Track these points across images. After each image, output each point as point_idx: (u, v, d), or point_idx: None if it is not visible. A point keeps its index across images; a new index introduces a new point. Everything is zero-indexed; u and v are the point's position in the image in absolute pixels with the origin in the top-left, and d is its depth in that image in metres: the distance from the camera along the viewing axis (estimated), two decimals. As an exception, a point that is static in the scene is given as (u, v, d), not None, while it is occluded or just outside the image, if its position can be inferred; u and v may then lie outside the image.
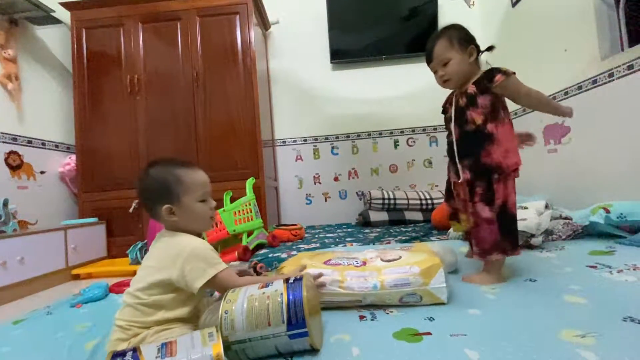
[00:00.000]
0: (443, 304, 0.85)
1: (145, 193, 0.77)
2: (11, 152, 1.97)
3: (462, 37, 1.03)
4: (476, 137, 1.00)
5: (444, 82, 1.07)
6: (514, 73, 0.98)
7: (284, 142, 2.90)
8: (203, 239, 1.31)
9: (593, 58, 1.74)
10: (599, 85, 1.72)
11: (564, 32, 1.92)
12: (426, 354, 0.62)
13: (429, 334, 0.71)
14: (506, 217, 0.98)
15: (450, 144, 1.09)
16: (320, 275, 0.87)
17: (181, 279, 0.69)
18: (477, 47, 1.05)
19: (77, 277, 1.80)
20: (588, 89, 1.79)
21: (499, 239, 0.98)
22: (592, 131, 1.78)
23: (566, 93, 1.94)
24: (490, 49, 1.05)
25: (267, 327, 0.64)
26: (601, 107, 1.71)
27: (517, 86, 1.00)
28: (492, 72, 0.99)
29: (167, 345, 0.58)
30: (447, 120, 1.12)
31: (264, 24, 2.75)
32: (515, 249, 0.99)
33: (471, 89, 1.01)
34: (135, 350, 0.58)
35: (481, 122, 0.99)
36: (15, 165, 1.99)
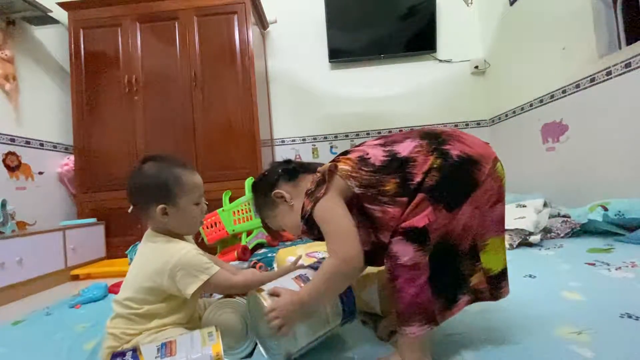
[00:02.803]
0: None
1: (138, 190, 0.73)
2: (9, 153, 1.97)
3: (259, 198, 0.76)
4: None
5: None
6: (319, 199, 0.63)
7: (283, 141, 2.90)
8: (203, 239, 1.31)
9: (591, 56, 1.74)
10: (596, 84, 1.72)
11: (562, 31, 1.93)
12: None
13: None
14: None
15: None
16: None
17: (172, 286, 0.67)
18: (284, 174, 0.73)
19: (76, 277, 1.79)
20: (586, 87, 1.79)
21: (428, 298, 0.58)
22: (590, 129, 1.79)
23: (564, 91, 1.94)
24: (288, 167, 0.74)
25: (326, 325, 0.67)
26: (599, 105, 1.72)
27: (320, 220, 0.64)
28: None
29: (166, 345, 0.58)
30: None
31: (262, 23, 2.74)
32: (451, 306, 0.60)
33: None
34: (134, 350, 0.58)
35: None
36: (14, 166, 1.99)
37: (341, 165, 0.64)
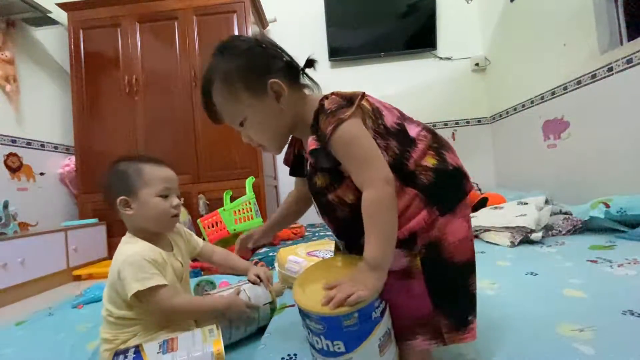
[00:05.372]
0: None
1: (106, 186, 0.74)
2: (10, 154, 1.97)
3: (246, 72, 0.56)
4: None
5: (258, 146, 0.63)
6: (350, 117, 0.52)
7: (283, 140, 2.90)
8: (204, 239, 1.31)
9: (592, 52, 1.73)
10: (598, 80, 1.71)
11: (563, 27, 1.92)
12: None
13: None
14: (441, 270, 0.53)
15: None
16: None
17: (121, 289, 0.66)
18: (288, 68, 0.59)
19: (78, 278, 1.80)
20: (587, 84, 1.78)
21: (430, 311, 0.52)
22: (591, 126, 1.78)
23: (565, 88, 1.93)
24: (310, 64, 0.61)
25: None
26: (600, 102, 1.71)
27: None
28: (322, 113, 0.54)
29: (168, 342, 0.59)
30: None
31: (262, 22, 2.74)
32: (460, 327, 0.52)
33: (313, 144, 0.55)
34: (137, 347, 0.59)
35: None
36: (15, 167, 1.99)
37: (363, 103, 0.54)
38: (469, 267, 0.54)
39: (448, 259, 0.52)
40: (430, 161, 0.54)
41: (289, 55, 0.60)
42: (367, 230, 0.50)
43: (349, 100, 0.53)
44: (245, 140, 0.61)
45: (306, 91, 0.61)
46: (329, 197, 0.57)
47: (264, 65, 0.57)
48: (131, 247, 0.70)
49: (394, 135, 0.55)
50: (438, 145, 0.57)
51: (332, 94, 0.55)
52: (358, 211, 0.52)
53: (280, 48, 0.60)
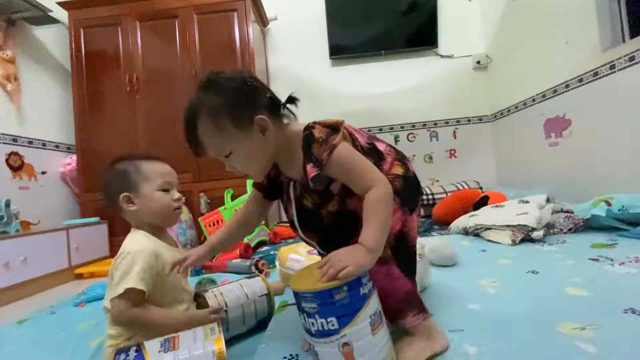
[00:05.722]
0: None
1: (106, 186, 0.75)
2: (12, 153, 1.98)
3: (234, 107, 0.58)
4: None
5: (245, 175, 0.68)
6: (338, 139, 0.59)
7: (284, 139, 2.90)
8: (205, 237, 1.31)
9: (594, 50, 1.72)
10: (600, 78, 1.71)
11: (565, 24, 1.91)
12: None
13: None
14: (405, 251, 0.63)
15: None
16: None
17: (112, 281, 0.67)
18: (272, 103, 0.63)
19: (80, 276, 1.81)
20: (589, 82, 1.77)
21: (411, 287, 0.62)
22: (593, 124, 1.77)
23: (567, 86, 1.93)
24: (292, 100, 0.66)
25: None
26: (602, 100, 1.70)
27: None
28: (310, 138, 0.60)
29: (169, 340, 0.59)
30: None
31: (262, 20, 2.73)
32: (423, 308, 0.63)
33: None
34: (138, 345, 0.59)
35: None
36: (17, 166, 2.00)
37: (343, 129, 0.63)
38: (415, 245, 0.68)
39: (411, 245, 0.65)
40: (398, 170, 0.66)
41: (270, 91, 0.65)
42: (367, 219, 0.56)
43: (334, 128, 0.60)
44: (228, 169, 0.65)
45: (285, 121, 0.67)
46: (321, 211, 0.64)
47: (251, 101, 0.61)
48: (131, 241, 0.72)
49: (368, 153, 0.64)
50: (401, 157, 0.69)
51: (315, 123, 0.62)
52: (343, 216, 0.62)
53: (263, 84, 0.66)
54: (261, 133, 0.61)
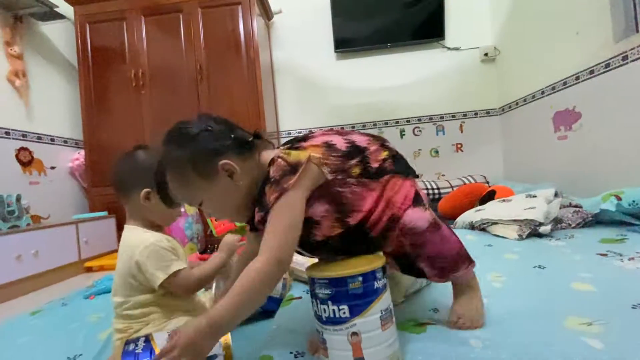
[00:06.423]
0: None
1: (125, 174, 0.76)
2: (22, 149, 2.01)
3: (196, 158, 0.58)
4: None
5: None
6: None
7: (289, 133, 2.89)
8: (211, 231, 1.33)
9: (606, 40, 1.68)
10: (611, 69, 1.67)
11: (576, 15, 1.86)
12: (429, 344, 0.62)
13: (433, 324, 0.70)
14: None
15: None
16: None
17: (139, 274, 0.69)
18: (238, 143, 0.61)
19: (89, 269, 1.84)
20: (600, 73, 1.73)
21: (460, 242, 0.66)
22: (604, 117, 1.74)
23: (577, 78, 1.88)
24: (258, 136, 0.64)
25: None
26: (614, 92, 1.66)
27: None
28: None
29: (177, 332, 0.60)
30: None
31: (267, 14, 2.71)
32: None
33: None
34: (147, 336, 0.60)
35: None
36: (26, 161, 2.03)
37: (312, 153, 0.59)
38: None
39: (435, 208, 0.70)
40: (384, 154, 0.67)
41: (236, 129, 0.63)
42: (231, 290, 0.51)
43: (293, 166, 0.56)
44: (208, 216, 0.65)
45: (261, 150, 0.65)
46: (317, 239, 0.61)
47: (212, 149, 0.59)
48: (146, 236, 0.72)
49: (349, 153, 0.63)
50: (381, 141, 0.70)
51: (279, 156, 0.58)
52: (348, 234, 0.61)
53: (228, 123, 0.63)
54: (229, 177, 0.59)
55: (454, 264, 0.65)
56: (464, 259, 0.66)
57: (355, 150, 0.64)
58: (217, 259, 0.79)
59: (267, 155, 0.63)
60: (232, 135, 0.61)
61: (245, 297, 0.51)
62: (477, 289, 0.70)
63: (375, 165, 0.64)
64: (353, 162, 0.62)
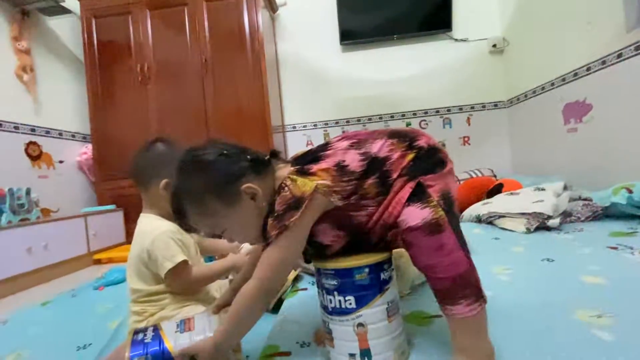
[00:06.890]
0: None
1: (145, 164, 0.78)
2: (30, 143, 2.03)
3: (216, 186, 0.55)
4: None
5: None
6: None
7: (294, 127, 2.88)
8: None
9: (618, 30, 1.64)
10: (624, 59, 1.63)
11: (587, 4, 1.81)
12: (435, 336, 0.62)
13: (439, 316, 0.70)
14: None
15: None
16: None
17: (154, 267, 0.72)
18: (255, 164, 0.58)
19: (98, 261, 1.87)
20: (612, 64, 1.69)
21: (468, 264, 0.51)
22: (615, 108, 1.70)
23: (589, 69, 1.84)
24: (275, 154, 0.62)
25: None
26: (626, 83, 1.62)
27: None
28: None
29: (185, 321, 0.61)
30: None
31: (272, 6, 2.69)
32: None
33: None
34: (156, 326, 0.61)
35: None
36: (35, 155, 2.06)
37: (320, 181, 0.54)
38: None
39: (455, 212, 0.55)
40: (408, 157, 0.56)
41: (250, 151, 0.59)
42: (229, 313, 0.56)
43: (297, 200, 0.52)
44: (228, 241, 0.62)
45: (277, 166, 0.61)
46: (327, 253, 0.59)
47: (232, 173, 0.56)
48: (158, 223, 0.75)
49: (365, 173, 0.56)
50: (410, 141, 0.58)
51: (286, 184, 0.54)
52: (354, 235, 0.58)
53: (239, 146, 0.60)
54: (252, 199, 0.56)
55: (450, 289, 0.50)
56: (468, 288, 0.49)
57: (372, 166, 0.56)
58: (219, 265, 0.80)
59: (282, 173, 0.59)
60: (249, 157, 0.57)
61: (240, 319, 0.56)
62: (483, 346, 0.51)
63: (394, 176, 0.55)
64: (370, 181, 0.55)
